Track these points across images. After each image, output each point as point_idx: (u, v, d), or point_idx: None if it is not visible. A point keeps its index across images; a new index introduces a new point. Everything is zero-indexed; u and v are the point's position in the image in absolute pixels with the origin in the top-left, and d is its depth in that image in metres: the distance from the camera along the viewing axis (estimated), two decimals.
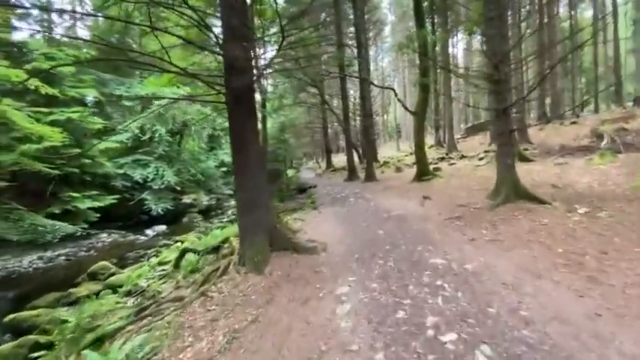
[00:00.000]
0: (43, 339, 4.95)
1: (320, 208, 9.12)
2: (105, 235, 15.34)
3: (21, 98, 12.52)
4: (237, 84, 4.93)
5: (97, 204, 14.24)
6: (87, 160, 14.33)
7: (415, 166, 16.61)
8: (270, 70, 15.41)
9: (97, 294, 7.23)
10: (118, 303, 5.91)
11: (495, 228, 5.08)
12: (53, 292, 7.79)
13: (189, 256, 6.24)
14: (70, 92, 13.79)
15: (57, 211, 13.03)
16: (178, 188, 18.40)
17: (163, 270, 7.53)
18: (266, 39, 8.11)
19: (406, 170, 16.45)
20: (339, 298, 3.36)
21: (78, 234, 14.30)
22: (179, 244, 11.38)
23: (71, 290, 7.51)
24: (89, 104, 17.72)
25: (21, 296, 8.58)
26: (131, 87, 18.56)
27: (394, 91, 11.42)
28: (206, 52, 6.70)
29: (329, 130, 29.29)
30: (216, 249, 6.34)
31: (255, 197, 5.03)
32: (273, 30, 9.45)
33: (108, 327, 4.22)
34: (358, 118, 26.44)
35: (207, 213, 22.76)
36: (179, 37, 5.12)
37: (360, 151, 23.87)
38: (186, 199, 22.85)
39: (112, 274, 8.68)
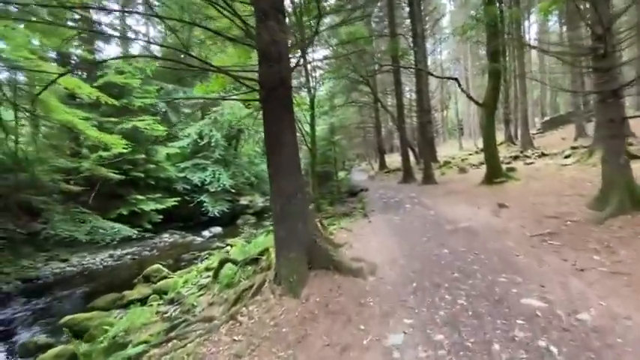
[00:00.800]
0: (82, 348, 4.85)
1: (370, 216, 8.14)
2: (167, 235, 16.14)
3: (94, 109, 13.71)
4: (271, 74, 4.27)
5: (159, 206, 14.98)
6: (151, 165, 15.19)
7: (484, 166, 14.57)
8: (312, 62, 14.76)
9: (146, 299, 7.23)
10: (157, 313, 5.69)
11: (612, 252, 3.66)
12: (112, 293, 8.01)
13: (228, 267, 5.79)
14: (136, 102, 14.77)
15: (125, 213, 13.93)
16: (234, 191, 18.76)
17: (208, 276, 7.27)
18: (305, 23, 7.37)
19: (472, 171, 14.55)
20: (389, 353, 2.44)
21: (141, 235, 15.24)
22: (229, 247, 11.29)
23: (125, 292, 7.64)
24: (159, 112, 19.03)
25: (88, 293, 9.08)
26: (190, 94, 19.43)
27: (457, 80, 9.92)
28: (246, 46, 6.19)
29: (382, 130, 27.84)
30: (255, 260, 5.80)
31: (292, 205, 4.31)
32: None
33: (133, 350, 3.87)
34: (414, 115, 24.65)
35: (261, 214, 23.07)
36: (211, 30, 4.66)
37: (417, 151, 22.12)
38: (243, 201, 23.38)
39: (164, 277, 8.75)
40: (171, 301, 6.36)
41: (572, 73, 18.64)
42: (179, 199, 16.63)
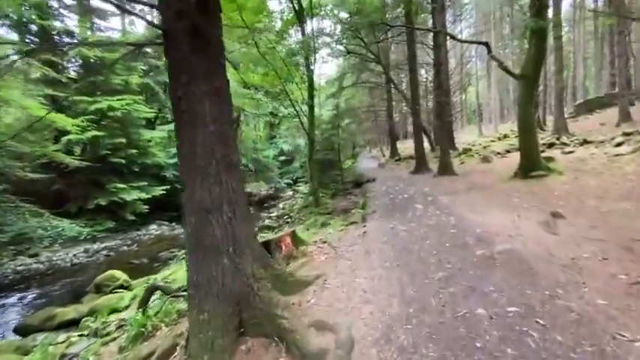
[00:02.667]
0: None
1: (369, 219, 6.20)
2: (154, 227, 14.70)
3: (66, 87, 12.10)
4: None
5: (144, 195, 13.45)
6: (133, 151, 13.60)
7: (511, 155, 12.23)
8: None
9: (79, 321, 5.67)
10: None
11: None
12: (53, 307, 6.51)
13: (156, 302, 4.05)
14: (115, 80, 13.07)
15: (103, 203, 12.48)
16: None
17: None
18: None
19: (497, 161, 12.26)
20: None
21: (123, 228, 13.84)
22: None
23: (58, 311, 6.10)
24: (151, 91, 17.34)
25: (34, 304, 7.65)
26: None
27: (488, 45, 7.67)
28: None
29: (394, 114, 25.38)
30: None
31: (212, 226, 2.46)
32: None
33: None
34: (430, 96, 22.09)
35: (261, 204, 21.46)
36: None
37: (432, 136, 19.75)
38: (247, 189, 21.83)
39: (120, 287, 7.18)
40: (95, 333, 4.74)
41: (618, 46, 15.74)
42: (169, 187, 15.08)
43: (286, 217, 14.23)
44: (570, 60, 30.98)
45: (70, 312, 6.03)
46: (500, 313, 2.40)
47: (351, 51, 20.03)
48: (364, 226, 5.38)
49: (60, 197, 12.48)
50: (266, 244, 3.92)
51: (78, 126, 10.73)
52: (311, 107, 11.76)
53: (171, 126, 16.81)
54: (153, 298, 4.42)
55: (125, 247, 12.07)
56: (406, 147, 29.85)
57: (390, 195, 8.82)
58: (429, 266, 3.40)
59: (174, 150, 16.61)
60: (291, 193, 23.40)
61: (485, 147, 16.27)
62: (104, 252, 11.55)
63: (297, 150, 28.78)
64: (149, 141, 15.19)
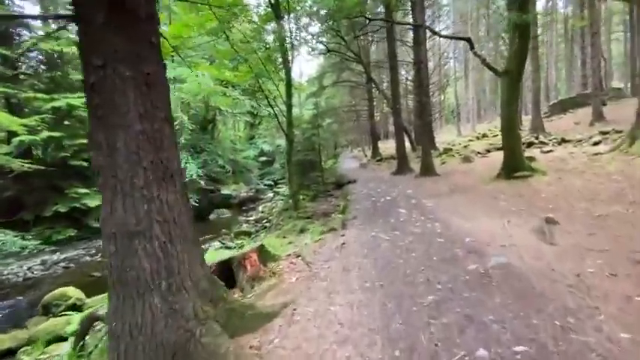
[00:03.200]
0: None
1: (349, 226, 5.70)
2: None
3: (19, 83, 10.94)
4: None
5: None
6: None
7: (491, 154, 12.11)
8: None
9: (16, 351, 4.86)
10: None
11: None
12: None
13: (96, 335, 3.37)
14: (75, 75, 11.98)
15: (62, 210, 11.39)
16: (202, 182, 16.17)
17: None
18: None
19: (478, 161, 12.10)
20: None
21: (88, 236, 12.77)
22: None
23: None
24: None
25: None
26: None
27: (470, 41, 7.36)
28: None
29: (375, 114, 25.13)
30: None
31: (139, 256, 1.86)
32: None
33: None
34: (410, 96, 21.96)
35: (240, 206, 20.63)
36: None
37: (413, 136, 19.58)
38: (225, 190, 20.95)
39: (72, 307, 6.35)
40: None
41: (592, 48, 16.04)
42: None
43: (265, 220, 13.58)
44: (544, 61, 31.82)
45: (6, 340, 5.19)
46: (506, 356, 1.93)
47: (332, 49, 19.60)
48: (343, 235, 4.85)
49: (13, 205, 11.31)
50: (227, 264, 3.33)
51: (26, 126, 9.66)
52: (289, 107, 11.16)
53: None
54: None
55: (87, 258, 11.06)
56: (387, 147, 29.72)
57: (371, 198, 8.37)
58: (417, 287, 2.91)
59: None
60: (271, 194, 22.69)
61: (465, 146, 16.19)
62: (63, 264, 10.53)
63: (278, 150, 28.07)
64: None
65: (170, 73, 14.50)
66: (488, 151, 13.50)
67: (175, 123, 15.43)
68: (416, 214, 5.69)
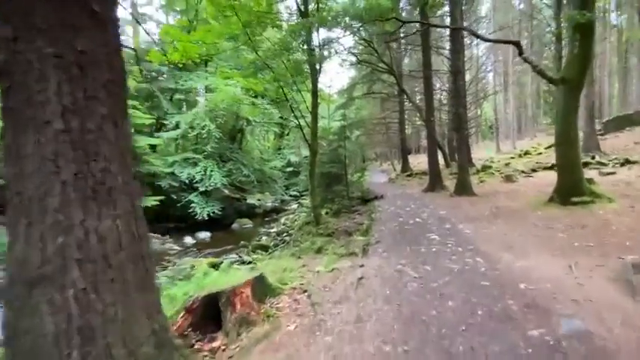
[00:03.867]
0: None
1: (371, 253, 4.89)
2: None
3: None
4: None
5: None
6: None
7: (538, 175, 10.61)
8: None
9: None
10: None
11: None
12: None
13: None
14: None
15: None
16: (226, 191, 15.97)
17: None
18: None
19: (522, 181, 10.80)
20: None
21: None
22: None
23: None
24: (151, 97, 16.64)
25: None
26: (188, 80, 16.87)
27: (518, 45, 6.42)
28: None
29: (406, 127, 24.07)
30: None
31: (42, 313, 1.26)
32: None
33: None
34: (444, 109, 20.73)
35: (263, 217, 20.28)
36: None
37: (446, 152, 18.33)
38: (251, 200, 20.77)
39: None
40: None
41: None
42: (161, 197, 14.07)
43: (285, 234, 12.99)
44: (596, 74, 29.21)
45: None
46: None
47: (363, 60, 19.07)
48: (362, 266, 4.06)
49: None
50: (213, 300, 2.69)
51: None
52: (314, 116, 10.63)
53: (172, 133, 16.00)
54: None
55: None
56: (419, 162, 28.38)
57: (399, 217, 7.48)
58: (456, 359, 2.08)
59: (172, 158, 15.76)
60: (295, 206, 22.22)
61: (506, 164, 14.77)
62: None
63: (304, 161, 27.74)
64: (152, 148, 14.37)
65: (198, 83, 14.48)
66: (534, 170, 12.09)
67: (202, 132, 15.50)
68: (452, 244, 4.77)
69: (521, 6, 33.81)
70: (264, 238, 13.07)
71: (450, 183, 12.71)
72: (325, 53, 12.49)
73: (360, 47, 20.90)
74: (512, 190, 9.61)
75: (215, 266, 8.53)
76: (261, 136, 28.73)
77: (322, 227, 9.54)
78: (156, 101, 16.36)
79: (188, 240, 13.55)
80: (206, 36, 8.17)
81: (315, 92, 10.56)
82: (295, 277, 4.12)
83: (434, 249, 4.59)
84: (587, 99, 14.06)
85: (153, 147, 17.63)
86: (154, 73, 17.56)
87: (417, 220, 6.93)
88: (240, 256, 10.48)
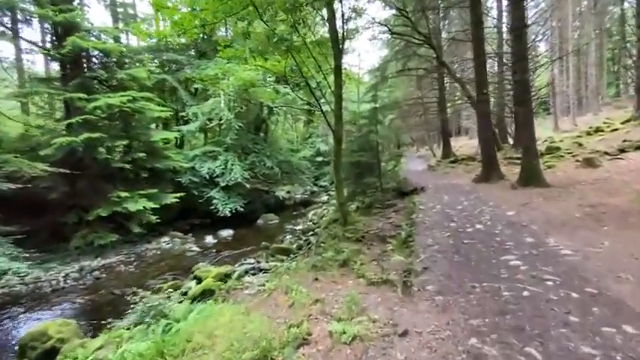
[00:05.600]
0: None
1: (414, 291, 3.14)
2: (166, 239, 12.88)
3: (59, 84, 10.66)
4: None
5: (151, 204, 11.62)
6: (140, 154, 11.83)
7: (629, 155, 7.85)
8: None
9: None
10: None
11: None
12: None
13: None
14: (119, 75, 11.37)
15: (104, 214, 10.83)
16: (247, 185, 14.74)
17: None
18: None
19: (609, 165, 8.27)
20: None
21: (138, 237, 12.20)
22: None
23: None
24: (168, 88, 15.75)
25: None
26: (206, 68, 15.69)
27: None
28: None
29: (447, 108, 21.21)
30: None
31: None
32: None
33: None
34: (492, 82, 17.68)
35: (292, 210, 19.00)
36: None
37: (497, 132, 15.58)
38: (280, 192, 19.61)
39: (51, 350, 5.00)
40: None
41: None
42: (181, 194, 13.17)
43: (311, 232, 11.48)
44: None
45: None
46: None
47: (395, 32, 16.69)
48: (403, 335, 2.34)
49: (57, 208, 11.13)
50: None
51: (70, 127, 9.04)
52: (338, 98, 8.78)
53: (190, 126, 15.01)
54: None
55: (122, 267, 10.25)
56: (460, 145, 25.38)
57: (450, 222, 5.57)
58: None
59: (193, 152, 14.81)
60: (326, 197, 20.71)
61: (578, 144, 11.93)
62: (97, 272, 9.81)
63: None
64: (165, 142, 13.47)
65: (215, 70, 13.11)
66: (622, 150, 9.35)
67: (221, 122, 14.30)
68: (552, 281, 2.88)
69: None
70: (287, 237, 11.69)
71: (506, 170, 10.35)
72: (351, 25, 10.53)
73: (392, 20, 18.48)
74: (600, 179, 7.20)
75: (227, 276, 7.26)
76: (288, 124, 27.35)
77: (350, 229, 7.85)
78: (178, 93, 15.41)
79: (209, 240, 12.56)
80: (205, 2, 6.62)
81: (338, 68, 8.67)
82: (299, 328, 2.51)
83: (525, 293, 2.73)
84: None
85: (178, 142, 16.96)
86: (173, 65, 16.65)
87: (478, 226, 4.99)
88: (257, 261, 9.17)
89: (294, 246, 10.12)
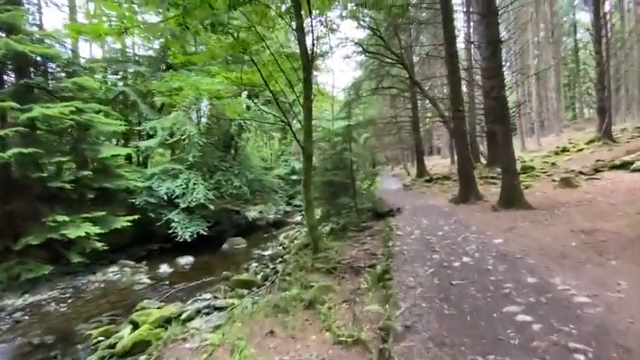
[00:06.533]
0: None
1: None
2: (115, 268, 11.26)
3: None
4: None
5: (96, 229, 10.06)
6: (86, 172, 10.36)
7: (622, 175, 7.38)
8: None
9: None
10: None
11: None
12: None
13: None
14: (63, 84, 10.06)
15: (34, 243, 9.18)
16: (211, 206, 13.45)
17: None
18: None
19: (587, 186, 7.94)
20: None
21: (78, 269, 10.52)
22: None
23: None
24: (126, 101, 14.39)
25: None
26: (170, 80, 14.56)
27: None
28: None
29: (420, 126, 21.19)
30: None
31: None
32: None
33: None
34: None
35: (264, 231, 17.74)
36: None
37: (480, 149, 15.45)
38: (252, 212, 18.30)
39: None
40: None
41: None
42: (137, 217, 11.68)
43: (279, 260, 10.35)
44: None
45: None
46: None
47: (369, 51, 16.51)
48: None
49: None
50: None
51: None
52: (307, 111, 8.00)
53: (149, 142, 13.69)
54: None
55: (53, 306, 8.58)
56: (433, 164, 25.44)
57: (432, 253, 4.76)
58: None
59: (150, 170, 13.41)
60: (299, 218, 19.67)
61: (551, 163, 11.82)
62: (19, 313, 8.12)
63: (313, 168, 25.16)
64: (127, 159, 12.05)
65: (177, 83, 12.03)
66: (597, 170, 9.16)
67: (183, 136, 13.11)
68: (580, 349, 2.06)
69: None
70: (253, 265, 10.47)
71: (483, 190, 9.90)
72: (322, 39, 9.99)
73: (367, 40, 18.42)
74: (584, 201, 6.76)
75: (168, 321, 5.98)
76: (262, 141, 26.37)
77: (321, 257, 6.88)
78: (133, 107, 14.11)
79: (164, 269, 11.08)
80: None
81: (308, 81, 7.94)
82: None
83: None
84: None
85: (140, 159, 15.46)
86: (139, 79, 15.43)
87: (465, 259, 4.19)
88: (214, 296, 7.92)
89: (260, 276, 8.96)
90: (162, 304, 7.75)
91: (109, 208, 11.50)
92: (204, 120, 13.87)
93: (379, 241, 6.91)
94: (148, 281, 10.00)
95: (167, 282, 9.85)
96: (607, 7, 18.96)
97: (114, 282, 10.33)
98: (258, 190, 19.32)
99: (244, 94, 14.17)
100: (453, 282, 3.46)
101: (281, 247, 12.19)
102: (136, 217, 11.56)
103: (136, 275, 10.68)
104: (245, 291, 7.72)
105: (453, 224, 6.47)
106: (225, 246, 13.68)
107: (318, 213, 13.19)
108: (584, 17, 38.33)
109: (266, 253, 11.96)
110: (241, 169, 15.40)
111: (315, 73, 19.89)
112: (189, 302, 7.87)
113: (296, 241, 11.95)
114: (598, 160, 9.94)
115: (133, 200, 12.17)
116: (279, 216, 21.70)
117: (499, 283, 3.28)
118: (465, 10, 15.04)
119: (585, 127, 28.18)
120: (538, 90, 34.26)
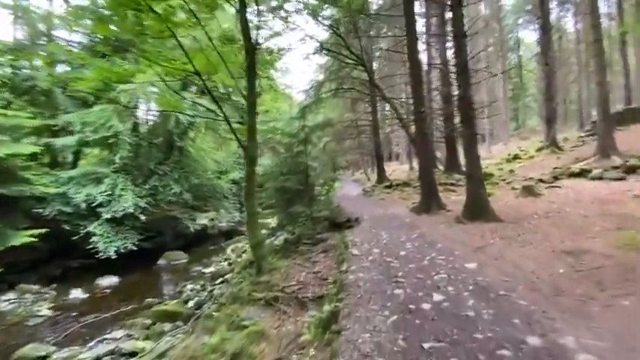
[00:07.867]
0: None
1: None
2: (12, 295, 8.99)
3: None
4: None
5: None
6: None
7: (582, 184, 7.00)
8: None
9: None
10: None
11: None
12: None
13: None
14: None
15: None
16: (142, 217, 11.46)
17: None
18: None
19: (550, 195, 7.49)
20: None
21: None
22: None
23: None
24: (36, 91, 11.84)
25: None
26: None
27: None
28: None
29: (380, 131, 20.68)
30: None
31: None
32: None
33: None
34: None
35: (212, 242, 15.89)
36: None
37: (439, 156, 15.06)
38: (203, 220, 16.29)
39: None
40: None
41: None
42: (44, 230, 9.41)
43: (220, 280, 8.78)
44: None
45: None
46: None
47: (327, 49, 15.55)
48: None
49: None
50: None
51: None
52: (251, 105, 6.63)
53: (67, 139, 11.38)
54: None
55: None
56: (392, 170, 25.16)
57: (395, 285, 3.64)
58: None
59: (67, 174, 11.11)
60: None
61: (509, 170, 11.60)
62: None
63: (270, 170, 23.52)
64: (16, 159, 9.67)
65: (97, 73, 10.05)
66: (556, 177, 8.88)
67: (107, 134, 11.00)
68: None
69: None
70: (188, 287, 8.77)
71: (443, 197, 9.22)
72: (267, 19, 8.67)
73: (329, 39, 17.52)
74: (552, 212, 6.16)
75: None
76: (214, 142, 24.21)
77: (264, 281, 5.55)
78: (48, 98, 11.67)
79: (76, 294, 9.00)
80: None
81: (251, 69, 6.59)
82: None
83: None
84: (600, 88, 11.26)
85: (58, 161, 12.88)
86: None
87: (437, 297, 3.12)
88: (128, 334, 6.21)
89: (192, 303, 7.36)
90: (53, 348, 5.90)
91: (6, 220, 9.19)
92: (140, 115, 11.85)
93: (332, 261, 5.77)
94: (49, 313, 7.92)
95: (75, 313, 7.86)
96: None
97: (3, 315, 8.09)
98: (208, 196, 17.39)
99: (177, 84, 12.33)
100: (425, 345, 2.33)
101: (226, 263, 10.58)
102: (43, 230, 9.32)
103: (36, 304, 8.49)
104: (167, 325, 6.12)
105: (417, 240, 5.50)
106: (161, 262, 11.74)
107: (273, 222, 11.86)
108: (527, 35, 41.33)
109: (207, 270, 10.28)
110: (183, 173, 13.49)
111: (272, 71, 18.50)
112: (92, 343, 6.10)
113: (243, 256, 10.45)
114: (556, 168, 9.76)
115: (41, 210, 9.86)
116: (233, 224, 19.79)
117: (490, 347, 2.21)
118: None
119: (530, 136, 29.86)
120: (489, 99, 36.00)
